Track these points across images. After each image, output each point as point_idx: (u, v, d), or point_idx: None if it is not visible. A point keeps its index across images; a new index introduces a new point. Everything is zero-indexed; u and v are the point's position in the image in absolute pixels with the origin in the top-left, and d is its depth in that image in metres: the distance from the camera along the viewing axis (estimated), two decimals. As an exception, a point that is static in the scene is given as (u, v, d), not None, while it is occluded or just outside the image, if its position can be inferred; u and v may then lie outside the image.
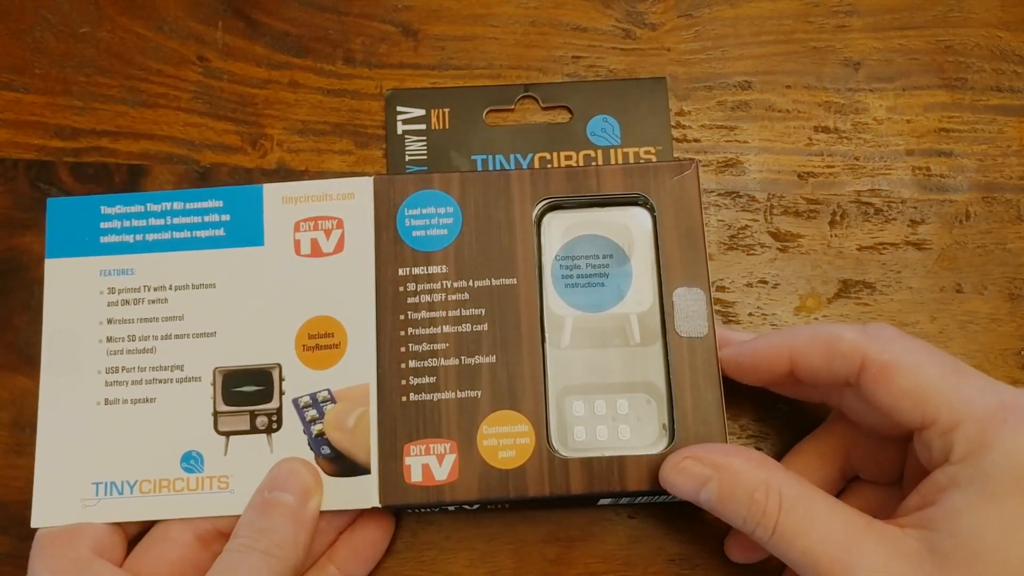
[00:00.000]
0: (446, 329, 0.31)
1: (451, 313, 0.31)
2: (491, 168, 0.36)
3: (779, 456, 0.33)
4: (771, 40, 0.37)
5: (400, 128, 0.36)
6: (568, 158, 0.36)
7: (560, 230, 0.32)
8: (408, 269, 0.32)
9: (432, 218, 0.32)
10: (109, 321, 0.32)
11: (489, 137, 0.36)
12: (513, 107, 0.36)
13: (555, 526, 0.34)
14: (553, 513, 0.34)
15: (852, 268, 0.35)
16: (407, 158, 0.36)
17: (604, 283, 0.32)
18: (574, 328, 0.32)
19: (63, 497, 0.31)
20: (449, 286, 0.31)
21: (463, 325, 0.31)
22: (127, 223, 0.33)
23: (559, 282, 0.32)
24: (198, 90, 0.36)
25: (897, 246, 0.35)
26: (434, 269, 0.32)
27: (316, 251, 0.32)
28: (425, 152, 0.36)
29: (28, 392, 0.35)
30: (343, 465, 0.31)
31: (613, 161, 0.36)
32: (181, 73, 0.36)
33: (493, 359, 0.31)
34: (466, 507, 0.32)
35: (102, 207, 0.33)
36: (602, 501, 0.32)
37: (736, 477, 0.27)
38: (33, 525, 0.31)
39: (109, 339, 0.32)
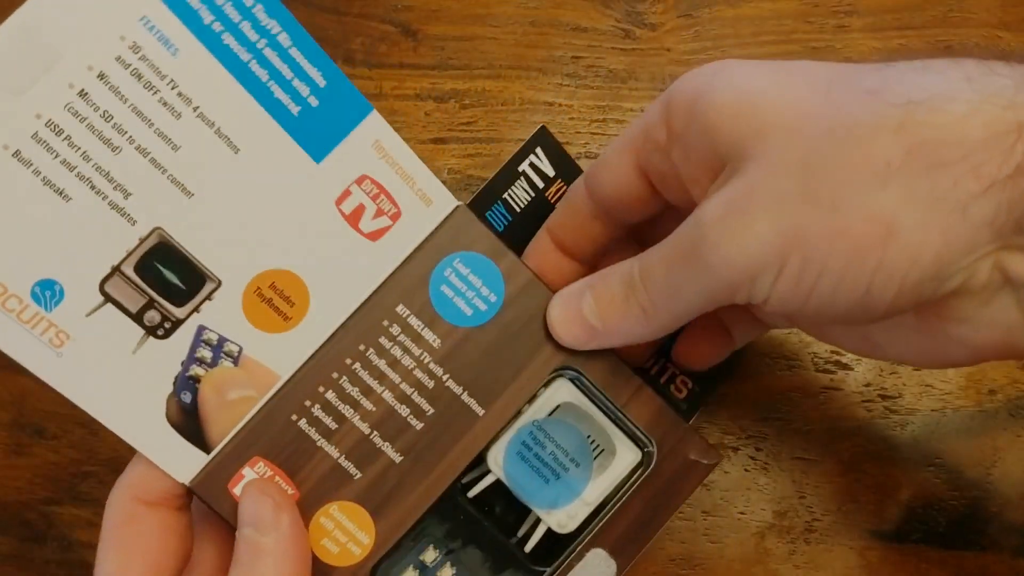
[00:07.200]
0: (386, 396, 0.27)
1: (404, 387, 0.27)
2: None
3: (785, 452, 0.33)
4: (771, 40, 0.37)
5: (524, 165, 0.32)
6: None
7: (560, 400, 0.28)
8: (407, 313, 0.27)
9: (472, 290, 0.28)
10: (101, 77, 0.24)
11: None
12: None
13: (554, 526, 0.34)
14: (552, 513, 0.34)
15: (852, 268, 0.35)
16: (502, 195, 0.31)
17: (550, 482, 0.28)
18: (486, 491, 0.28)
19: None
20: (426, 362, 0.27)
21: (402, 406, 0.27)
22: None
23: (515, 445, 0.28)
24: (198, 90, 0.36)
25: (897, 246, 0.35)
26: (429, 336, 0.27)
27: (352, 217, 0.27)
28: (520, 208, 0.32)
29: (28, 392, 0.35)
30: (188, 424, 0.27)
31: None
32: (181, 73, 0.36)
33: (399, 459, 0.27)
34: None
35: None
36: None
37: (604, 279, 0.27)
38: None
39: (83, 93, 0.24)
